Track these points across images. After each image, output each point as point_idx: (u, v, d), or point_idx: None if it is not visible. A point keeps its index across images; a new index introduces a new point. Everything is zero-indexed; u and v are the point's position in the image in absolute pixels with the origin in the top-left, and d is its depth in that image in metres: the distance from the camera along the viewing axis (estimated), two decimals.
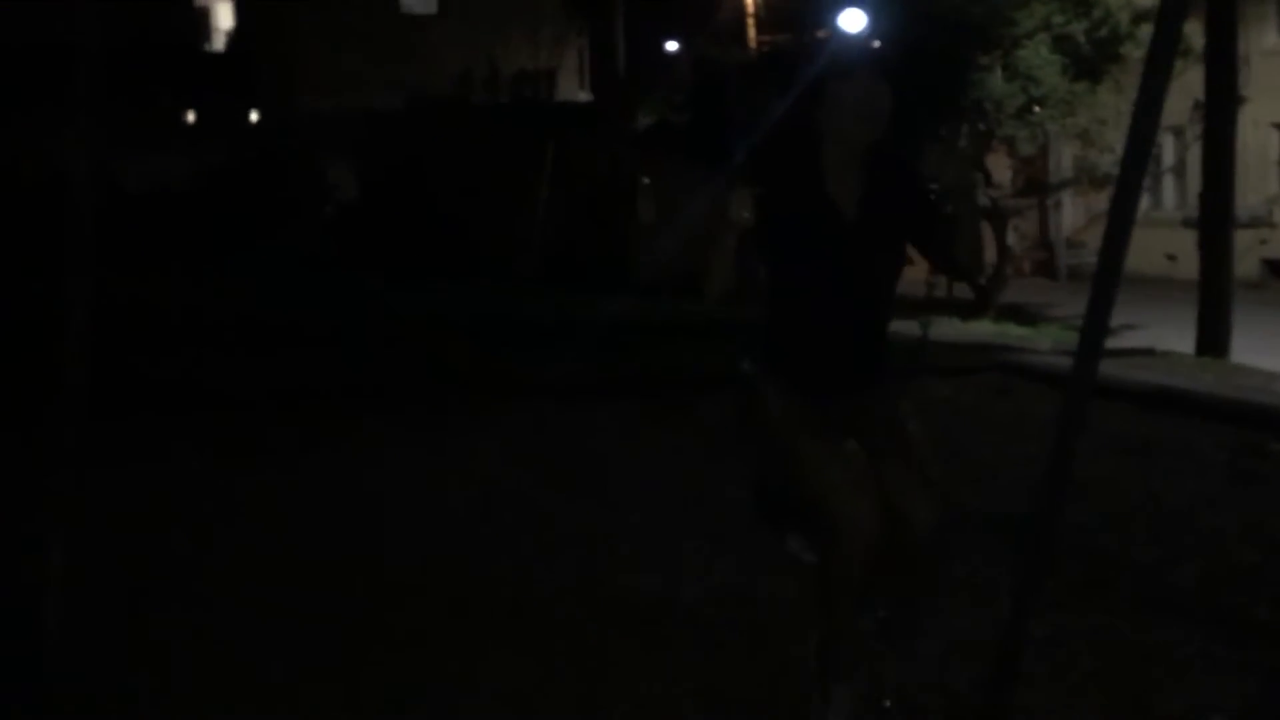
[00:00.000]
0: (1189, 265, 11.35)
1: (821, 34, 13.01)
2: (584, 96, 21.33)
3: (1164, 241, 20.97)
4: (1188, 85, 16.65)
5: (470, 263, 14.22)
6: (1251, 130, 14.99)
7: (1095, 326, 3.15)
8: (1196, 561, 3.91)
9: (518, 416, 6.75)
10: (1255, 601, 3.52)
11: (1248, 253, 15.24)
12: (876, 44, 2.89)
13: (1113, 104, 14.13)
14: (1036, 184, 17.33)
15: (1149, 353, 9.41)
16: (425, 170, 15.68)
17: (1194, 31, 13.33)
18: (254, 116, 20.81)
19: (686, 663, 3.14)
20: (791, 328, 2.59)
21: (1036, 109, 12.89)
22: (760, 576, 3.80)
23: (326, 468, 5.47)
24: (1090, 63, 12.90)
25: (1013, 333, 11.35)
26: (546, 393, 7.14)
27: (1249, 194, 16.49)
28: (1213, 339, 10.04)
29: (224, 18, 23.74)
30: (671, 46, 24.64)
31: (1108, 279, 3.05)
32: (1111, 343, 11.81)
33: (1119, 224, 3.07)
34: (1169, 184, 22.59)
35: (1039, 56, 12.59)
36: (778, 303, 2.60)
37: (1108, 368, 8.43)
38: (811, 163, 2.56)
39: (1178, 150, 21.54)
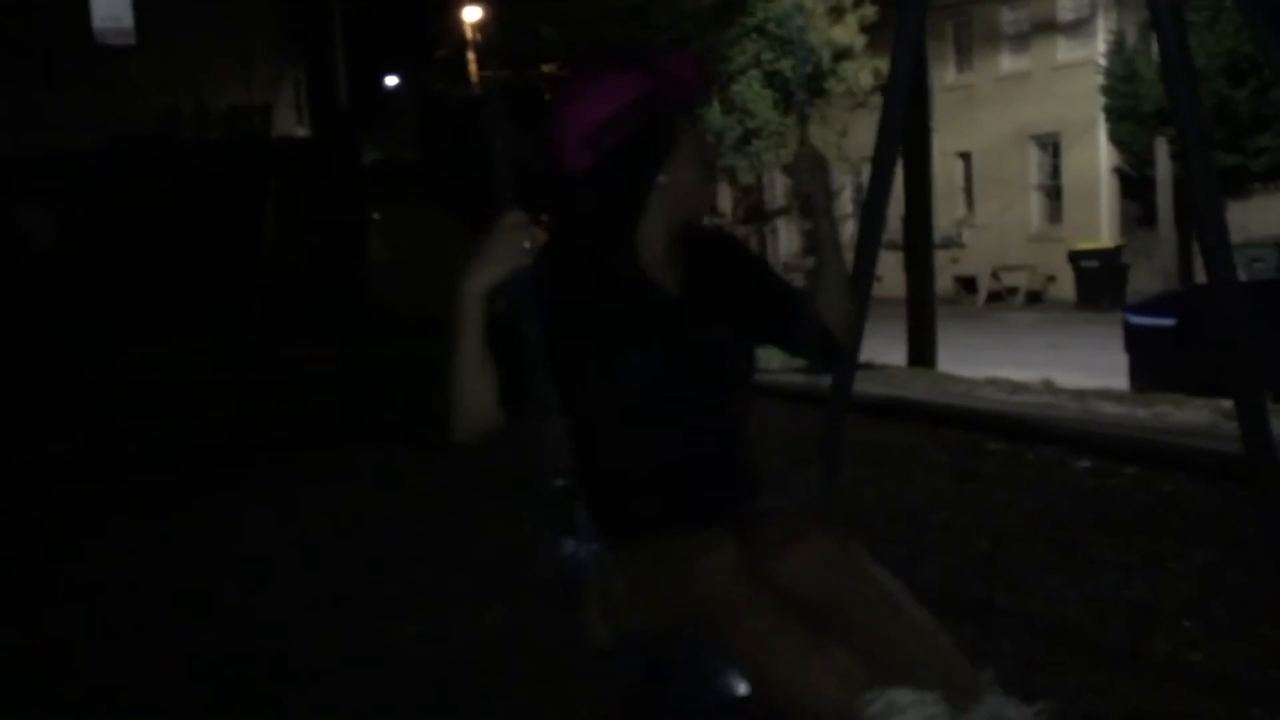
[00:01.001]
0: (891, 284, 12.27)
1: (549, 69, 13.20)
2: (302, 132, 20.62)
3: None
4: (878, 119, 18.09)
5: (190, 313, 13.35)
6: (940, 160, 16.38)
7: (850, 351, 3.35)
8: (933, 556, 4.17)
9: (269, 472, 6.40)
10: (993, 588, 3.80)
11: (942, 271, 16.58)
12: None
13: (820, 135, 15.15)
14: (755, 212, 18.31)
15: (868, 366, 10.08)
16: (133, 214, 14.62)
17: (885, 68, 14.54)
18: None
19: (471, 713, 3.03)
20: (619, 468, 1.92)
21: (754, 141, 13.61)
22: (530, 615, 3.75)
23: (47, 537, 4.97)
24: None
25: None
26: (298, 445, 6.82)
27: (941, 218, 18.02)
28: (921, 351, 10.89)
29: None
30: (391, 81, 24.29)
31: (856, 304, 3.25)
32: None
33: (867, 243, 3.27)
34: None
35: (752, 91, 13.32)
36: (592, 441, 1.92)
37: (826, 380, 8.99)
38: (624, 242, 1.96)
39: None
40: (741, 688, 1.77)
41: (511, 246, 1.85)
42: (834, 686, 1.70)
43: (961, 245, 21.49)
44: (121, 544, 4.95)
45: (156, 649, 3.63)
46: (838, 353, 2.09)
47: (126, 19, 20.06)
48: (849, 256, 2.34)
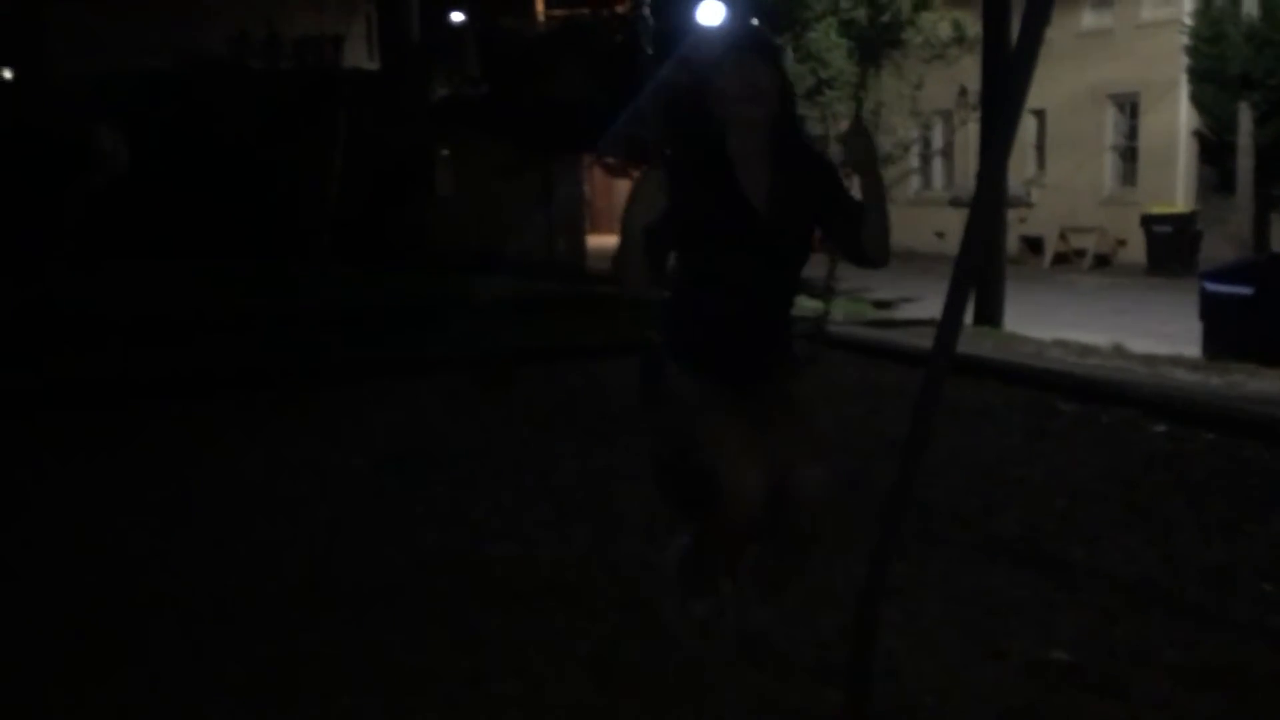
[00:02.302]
0: (956, 242, 12.15)
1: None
2: (372, 65, 20.65)
3: (934, 220, 22.33)
4: (954, 73, 17.75)
5: (260, 239, 13.54)
6: None
7: (956, 304, 3.35)
8: (1013, 510, 4.21)
9: (344, 396, 6.55)
10: (1070, 544, 3.83)
11: (1009, 230, 16.36)
12: (752, 25, 2.99)
13: (894, 88, 14.89)
14: None
15: (934, 323, 10.03)
16: (205, 139, 14.79)
17: (968, 20, 14.21)
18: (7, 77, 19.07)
19: (564, 631, 3.13)
20: (696, 312, 2.63)
21: (826, 91, 13.42)
22: (612, 542, 3.85)
23: (150, 461, 5.14)
24: (873, 47, 13.54)
25: (805, 305, 11.83)
26: (373, 373, 6.95)
27: (1010, 176, 17.72)
28: (988, 310, 10.78)
29: None
30: (457, 18, 24.21)
31: (968, 261, 3.24)
32: (895, 314, 12.56)
33: (984, 209, 3.25)
34: (938, 166, 24.04)
35: (828, 39, 13.12)
36: (685, 286, 2.64)
37: (904, 337, 8.96)
38: (718, 154, 2.58)
39: (945, 134, 22.92)
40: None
41: (657, 196, 2.54)
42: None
43: (1030, 205, 21.10)
44: (205, 460, 5.10)
45: (250, 562, 3.77)
46: (871, 264, 2.69)
47: None
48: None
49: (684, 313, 2.66)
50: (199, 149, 14.86)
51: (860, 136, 2.59)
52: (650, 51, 12.17)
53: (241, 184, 14.63)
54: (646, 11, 12.13)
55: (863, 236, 2.63)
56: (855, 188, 2.69)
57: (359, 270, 12.45)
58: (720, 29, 2.79)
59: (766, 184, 2.59)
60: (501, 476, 4.70)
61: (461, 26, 23.50)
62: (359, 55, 20.67)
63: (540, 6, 21.51)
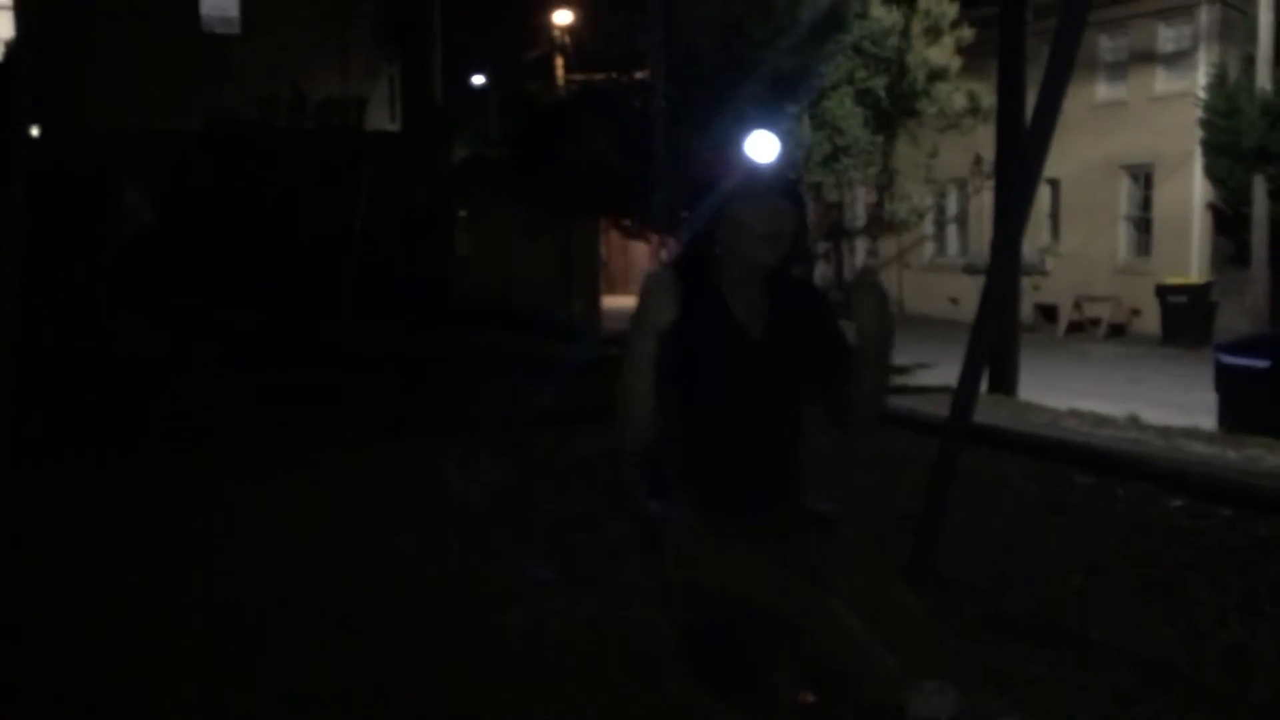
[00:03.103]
0: (970, 308, 12.22)
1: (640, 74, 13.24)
2: (393, 127, 20.99)
3: (948, 286, 22.43)
4: (969, 142, 17.90)
5: (282, 296, 13.68)
6: None
7: (971, 375, 3.39)
8: (1028, 584, 4.18)
9: (357, 454, 6.57)
10: (1087, 623, 3.79)
11: (1023, 298, 16.43)
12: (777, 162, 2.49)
13: (908, 155, 15.08)
14: (836, 228, 18.25)
15: (949, 390, 10.02)
16: (231, 197, 15.02)
17: (983, 91, 14.41)
18: (36, 134, 19.43)
19: (568, 702, 3.12)
20: (699, 461, 2.41)
21: (842, 158, 13.59)
22: (623, 611, 3.83)
23: (157, 511, 5.16)
24: (888, 116, 13.73)
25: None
26: (384, 429, 6.99)
27: (1024, 244, 17.82)
28: (1003, 378, 10.77)
29: (2, 26, 22.14)
30: (479, 80, 24.60)
31: (984, 332, 3.28)
32: (909, 380, 12.58)
33: (1000, 277, 3.30)
34: (953, 232, 24.18)
35: (843, 108, 13.31)
36: (686, 429, 2.40)
37: (919, 404, 8.93)
38: (713, 281, 2.42)
39: (960, 201, 23.10)
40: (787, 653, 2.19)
41: (671, 297, 2.23)
42: (883, 670, 2.12)
43: (1044, 273, 21.18)
44: (207, 509, 5.11)
45: (257, 623, 3.76)
46: (849, 429, 2.47)
47: (232, 9, 20.67)
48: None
49: (686, 455, 2.40)
50: (225, 207, 15.09)
51: (870, 290, 2.33)
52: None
53: (265, 242, 14.82)
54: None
55: (849, 395, 2.40)
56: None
57: (377, 327, 12.54)
58: (764, 165, 2.56)
59: (764, 315, 2.42)
60: (514, 540, 4.70)
61: (483, 89, 23.89)
62: (381, 117, 21.01)
63: (561, 72, 21.84)
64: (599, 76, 16.19)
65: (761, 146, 2.36)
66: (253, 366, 9.03)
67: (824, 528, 2.37)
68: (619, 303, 26.24)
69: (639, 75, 15.02)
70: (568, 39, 21.58)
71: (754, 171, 2.36)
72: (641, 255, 32.35)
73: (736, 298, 2.42)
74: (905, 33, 13.71)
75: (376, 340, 11.19)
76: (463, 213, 16.23)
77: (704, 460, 2.40)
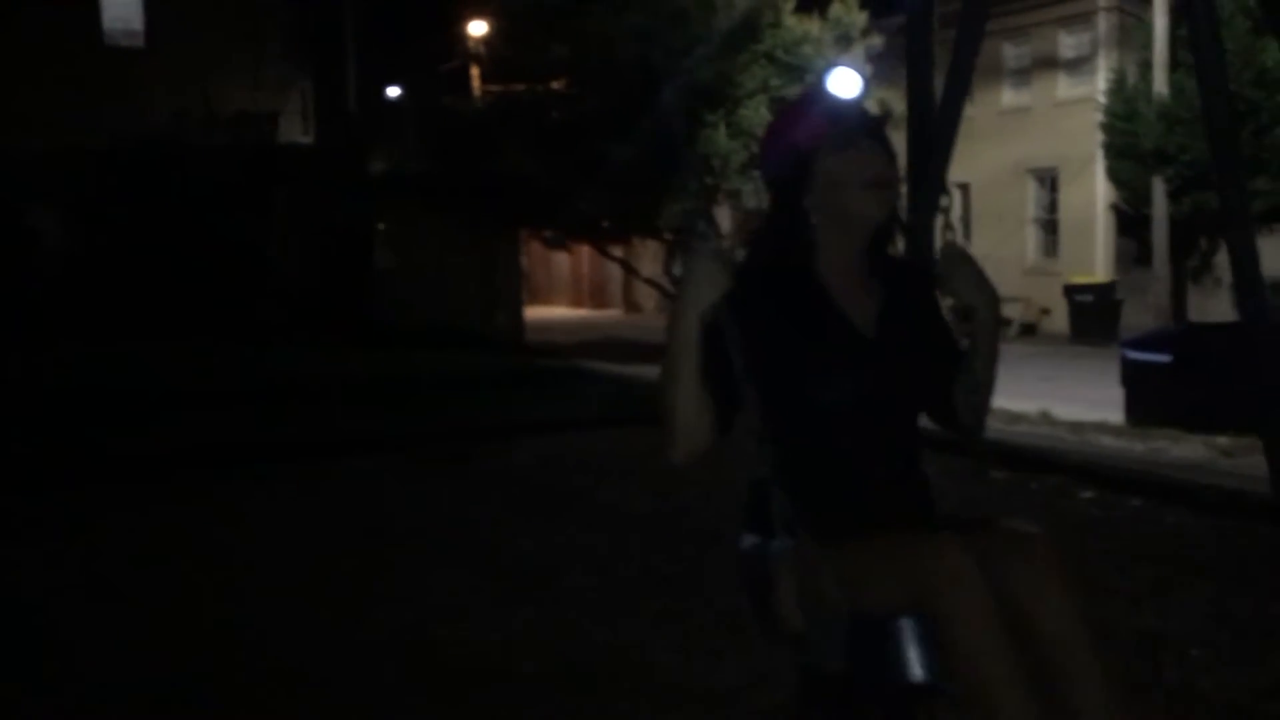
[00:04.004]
0: None
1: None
2: (307, 140, 20.68)
3: None
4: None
5: (196, 317, 13.39)
6: None
7: None
8: None
9: (289, 477, 6.48)
10: None
11: (940, 300, 16.68)
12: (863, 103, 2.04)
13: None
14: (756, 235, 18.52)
15: None
16: (139, 216, 14.67)
17: (894, 98, 14.68)
18: None
19: (506, 717, 3.12)
20: (811, 478, 1.94)
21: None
22: (562, 624, 3.84)
23: (89, 543, 5.04)
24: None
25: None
26: (316, 451, 6.90)
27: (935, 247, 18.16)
28: None
29: None
30: (394, 93, 24.35)
31: None
32: None
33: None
34: None
35: (759, 116, 13.47)
36: (786, 449, 1.91)
37: None
38: (808, 266, 1.98)
39: None
40: (933, 677, 1.79)
41: (714, 274, 1.84)
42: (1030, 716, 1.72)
43: None
44: (128, 546, 5.01)
45: (193, 642, 3.70)
46: (961, 430, 2.09)
47: (136, 20, 20.17)
48: None
49: (792, 481, 1.90)
50: (134, 227, 14.74)
51: (964, 260, 1.99)
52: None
53: (177, 261, 14.51)
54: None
55: (957, 391, 2.02)
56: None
57: (297, 345, 12.35)
58: (850, 103, 2.14)
59: (873, 307, 2.00)
60: (449, 556, 4.68)
61: (399, 101, 23.65)
62: (294, 130, 20.67)
63: (478, 83, 21.73)
64: (517, 87, 16.17)
65: (845, 82, 1.99)
66: (156, 400, 8.79)
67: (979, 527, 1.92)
68: (542, 314, 26.22)
69: (555, 85, 15.06)
70: (484, 49, 21.50)
71: (841, 112, 1.97)
72: (564, 266, 32.32)
73: (840, 286, 1.98)
74: (817, 41, 13.99)
75: (290, 364, 11.01)
76: (381, 225, 16.07)
77: (814, 486, 1.93)
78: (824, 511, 1.91)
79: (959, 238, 2.07)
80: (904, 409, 2.02)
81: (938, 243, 2.03)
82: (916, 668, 1.78)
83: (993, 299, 2.02)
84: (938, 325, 2.08)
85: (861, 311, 1.99)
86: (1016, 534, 1.92)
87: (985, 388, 2.04)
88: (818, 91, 2.00)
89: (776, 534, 1.89)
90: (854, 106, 2.00)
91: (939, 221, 2.08)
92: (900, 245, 2.18)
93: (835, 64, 2.04)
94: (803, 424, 1.95)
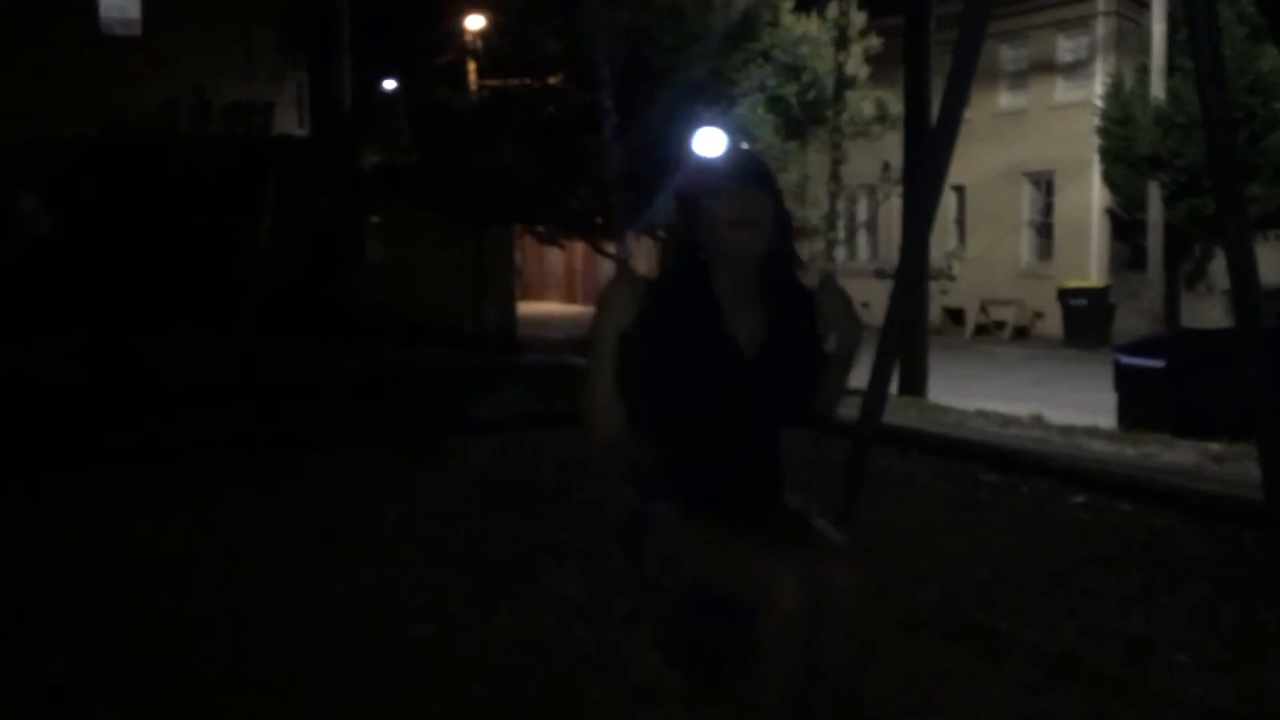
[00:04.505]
0: (880, 312, 12.37)
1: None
2: (301, 132, 20.60)
3: (859, 291, 22.78)
4: (878, 149, 18.21)
5: (187, 309, 13.29)
6: None
7: (881, 377, 3.44)
8: (936, 581, 4.25)
9: (267, 471, 6.42)
10: (993, 615, 3.87)
11: (931, 302, 16.76)
12: (750, 152, 2.51)
13: (820, 162, 15.26)
14: None
15: (858, 392, 10.16)
16: (129, 206, 14.56)
17: (890, 99, 14.70)
18: None
19: (485, 716, 3.07)
20: (685, 464, 2.34)
21: None
22: (537, 621, 3.80)
23: (61, 535, 4.98)
24: (800, 124, 13.90)
25: None
26: (296, 446, 6.84)
27: (931, 249, 18.20)
28: (912, 380, 10.97)
29: None
30: (389, 85, 24.27)
31: (894, 332, 3.34)
32: None
33: (908, 283, 3.35)
34: (862, 238, 24.58)
35: (755, 115, 13.44)
36: (670, 438, 2.33)
37: None
38: (704, 292, 2.34)
39: (870, 207, 23.49)
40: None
41: (628, 298, 2.25)
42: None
43: (951, 277, 21.67)
44: (110, 538, 4.96)
45: (160, 639, 3.65)
46: (817, 419, 2.52)
47: (132, 9, 20.08)
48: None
49: (669, 461, 2.34)
50: (125, 216, 14.63)
51: (836, 293, 2.37)
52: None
53: (168, 252, 14.41)
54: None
55: (821, 390, 2.42)
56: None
57: (285, 340, 12.28)
58: (719, 157, 2.54)
59: (758, 328, 2.34)
60: (426, 552, 4.63)
61: (393, 95, 23.57)
62: (289, 122, 20.59)
63: (474, 77, 21.66)
64: (512, 82, 16.11)
65: (707, 142, 2.50)
66: (136, 392, 8.70)
67: (809, 525, 2.32)
68: (534, 309, 26.16)
69: (551, 80, 15.00)
70: (480, 44, 21.43)
71: (706, 164, 2.37)
72: (557, 262, 32.26)
73: (730, 309, 2.33)
74: (814, 41, 13.97)
75: (279, 359, 10.93)
76: (374, 219, 15.99)
77: (688, 467, 2.33)
78: (689, 493, 2.31)
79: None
80: (768, 417, 2.39)
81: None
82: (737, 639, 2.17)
83: (855, 329, 2.39)
84: (811, 343, 2.40)
85: (746, 331, 2.33)
86: (833, 549, 2.24)
87: (837, 394, 2.45)
88: (689, 150, 2.41)
89: (653, 499, 2.34)
90: (724, 159, 2.36)
91: (821, 249, 2.56)
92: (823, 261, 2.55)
93: (701, 126, 2.42)
94: (684, 424, 2.32)
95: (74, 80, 17.46)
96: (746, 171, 2.34)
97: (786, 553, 2.13)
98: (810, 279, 2.44)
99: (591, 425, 2.27)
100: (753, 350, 2.33)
